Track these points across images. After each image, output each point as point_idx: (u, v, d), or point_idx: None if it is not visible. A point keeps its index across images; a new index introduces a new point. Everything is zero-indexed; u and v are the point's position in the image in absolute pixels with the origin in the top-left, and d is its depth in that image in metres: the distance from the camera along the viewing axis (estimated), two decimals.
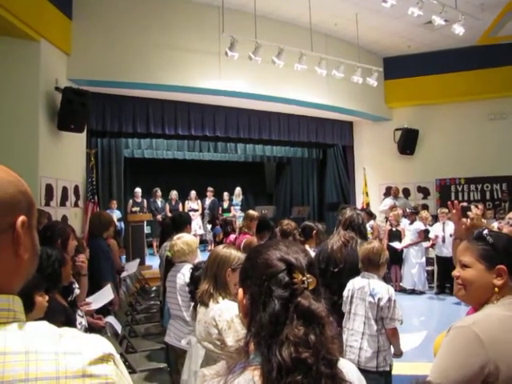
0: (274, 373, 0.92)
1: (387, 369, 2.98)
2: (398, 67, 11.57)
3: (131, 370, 3.66)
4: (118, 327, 4.03)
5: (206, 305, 2.55)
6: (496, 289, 1.38)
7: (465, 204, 2.17)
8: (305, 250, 1.13)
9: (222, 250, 2.65)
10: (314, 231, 4.60)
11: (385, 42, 10.74)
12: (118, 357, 0.84)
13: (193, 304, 3.03)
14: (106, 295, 3.81)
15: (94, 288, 3.95)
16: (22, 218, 0.83)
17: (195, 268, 3.17)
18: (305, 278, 1.02)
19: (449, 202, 2.11)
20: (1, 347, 0.74)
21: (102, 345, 0.83)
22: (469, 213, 2.10)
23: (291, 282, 1.02)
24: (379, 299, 2.97)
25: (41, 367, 0.74)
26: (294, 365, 0.92)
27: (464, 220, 2.09)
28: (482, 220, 7.82)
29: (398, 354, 3.08)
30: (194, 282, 3.07)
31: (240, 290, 1.12)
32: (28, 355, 0.75)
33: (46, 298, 2.18)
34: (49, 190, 7.05)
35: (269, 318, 0.99)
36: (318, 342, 0.95)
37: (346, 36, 10.22)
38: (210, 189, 12.30)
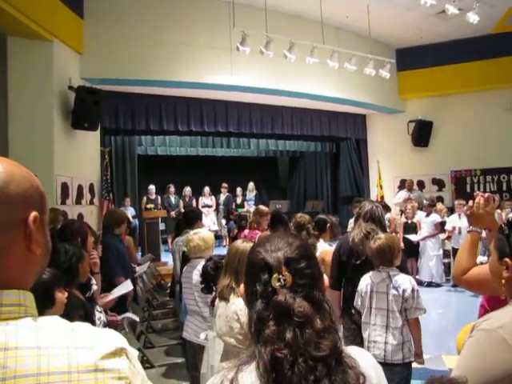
0: (261, 369, 0.95)
1: (412, 359, 3.01)
2: (410, 58, 11.44)
3: (149, 365, 3.69)
4: (136, 318, 4.07)
5: (227, 300, 2.55)
6: (503, 280, 1.36)
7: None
8: (291, 244, 1.10)
9: (241, 244, 2.67)
10: (328, 224, 4.59)
11: (397, 33, 10.62)
12: (131, 351, 0.84)
13: (210, 299, 3.04)
14: (125, 287, 3.87)
15: (103, 284, 3.99)
16: (34, 214, 0.83)
17: (208, 259, 3.19)
18: (280, 277, 1.02)
19: (475, 194, 2.07)
20: (12, 342, 0.74)
21: (114, 339, 0.83)
22: (470, 201, 2.08)
23: (270, 280, 1.03)
24: (404, 290, 2.98)
25: (53, 362, 0.74)
26: (275, 362, 0.93)
27: (464, 209, 2.09)
28: (498, 211, 7.60)
29: (419, 353, 3.06)
30: (205, 275, 3.09)
31: (242, 285, 1.15)
32: (40, 350, 0.75)
33: (66, 294, 2.21)
34: (64, 188, 7.12)
35: (256, 316, 1.01)
36: (296, 339, 0.95)
37: (357, 28, 10.12)
38: (224, 185, 12.31)
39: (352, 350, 1.03)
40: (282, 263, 1.05)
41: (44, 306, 2.00)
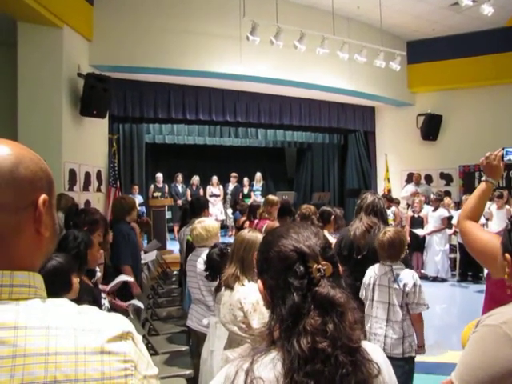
0: (293, 363, 0.93)
1: (413, 354, 2.97)
2: (421, 51, 11.32)
3: (154, 352, 3.72)
4: (141, 305, 4.10)
5: (232, 288, 2.57)
6: (505, 276, 1.35)
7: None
8: (317, 233, 1.11)
9: (247, 233, 2.68)
10: (332, 216, 4.58)
11: (408, 25, 10.51)
12: (137, 335, 0.84)
13: (214, 287, 3.06)
14: (122, 277, 3.83)
15: (115, 271, 4.02)
16: (43, 197, 0.84)
17: (213, 246, 3.21)
18: (320, 267, 1.01)
19: None
20: (22, 321, 0.76)
21: (120, 323, 0.84)
22: (488, 153, 2.10)
23: (307, 271, 1.01)
24: (405, 285, 2.94)
25: (60, 342, 0.76)
26: (312, 355, 0.93)
27: (480, 160, 2.11)
28: (507, 206, 7.52)
29: (421, 345, 3.03)
30: (210, 261, 3.10)
31: (259, 282, 1.12)
32: (48, 330, 0.76)
33: (78, 279, 2.24)
34: (72, 175, 7.16)
35: (288, 311, 0.99)
36: (337, 330, 0.95)
37: (368, 19, 10.02)
38: (233, 174, 12.27)
39: (366, 345, 1.02)
40: (318, 253, 1.04)
41: (62, 290, 2.04)
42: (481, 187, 2.07)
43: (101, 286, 3.36)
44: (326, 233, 4.42)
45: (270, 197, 5.80)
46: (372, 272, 3.13)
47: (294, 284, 1.00)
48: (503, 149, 2.08)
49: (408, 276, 2.99)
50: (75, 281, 2.18)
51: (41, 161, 0.87)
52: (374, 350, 1.05)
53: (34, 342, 0.75)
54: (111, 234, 3.96)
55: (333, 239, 4.14)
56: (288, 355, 0.95)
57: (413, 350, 2.96)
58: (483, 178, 2.08)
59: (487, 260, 1.84)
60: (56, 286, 1.84)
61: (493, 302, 1.92)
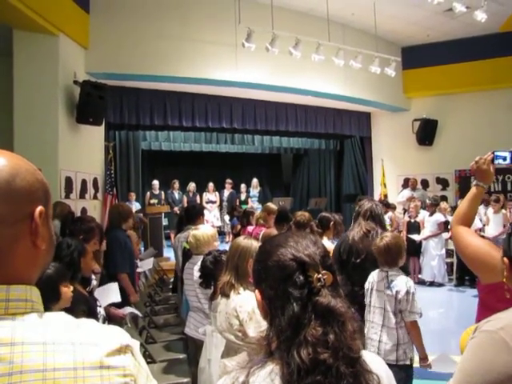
0: (292, 375, 0.91)
1: (407, 362, 2.93)
2: (416, 56, 11.39)
3: (151, 360, 3.70)
4: (138, 313, 4.08)
5: (228, 296, 2.56)
6: (504, 279, 1.35)
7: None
8: (316, 242, 1.09)
9: (242, 241, 2.67)
10: (332, 222, 4.57)
11: (403, 31, 10.56)
12: (136, 348, 0.83)
13: (209, 295, 3.06)
14: (111, 294, 3.62)
15: (109, 279, 4.01)
16: (40, 208, 0.82)
17: (207, 254, 3.21)
18: (320, 276, 0.99)
19: None
20: (19, 337, 0.74)
21: (119, 336, 0.82)
22: (477, 157, 2.09)
23: (307, 281, 0.99)
24: (397, 292, 2.94)
25: (58, 358, 0.74)
26: (313, 366, 0.91)
27: (470, 164, 2.11)
28: (503, 211, 7.54)
29: (423, 357, 3.01)
30: (204, 269, 3.10)
31: (257, 292, 1.10)
32: (46, 346, 0.75)
33: (71, 288, 2.22)
34: (68, 182, 7.14)
35: (288, 322, 0.97)
36: (338, 340, 0.93)
37: (363, 25, 10.08)
38: (228, 181, 12.30)
39: (365, 355, 1.01)
40: (318, 262, 1.02)
41: (49, 300, 2.02)
42: (472, 191, 2.08)
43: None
44: (325, 239, 4.42)
45: (270, 205, 5.87)
46: (371, 278, 3.15)
47: (294, 294, 0.98)
48: (493, 152, 2.06)
49: (401, 283, 2.97)
50: (65, 290, 2.16)
51: (37, 171, 0.86)
52: (373, 360, 1.04)
53: (31, 358, 0.73)
54: (105, 243, 3.95)
55: (332, 246, 4.14)
56: (287, 367, 0.93)
57: (407, 358, 2.94)
58: (474, 183, 2.09)
59: (477, 266, 1.84)
60: (43, 297, 1.80)
61: (483, 307, 1.93)
